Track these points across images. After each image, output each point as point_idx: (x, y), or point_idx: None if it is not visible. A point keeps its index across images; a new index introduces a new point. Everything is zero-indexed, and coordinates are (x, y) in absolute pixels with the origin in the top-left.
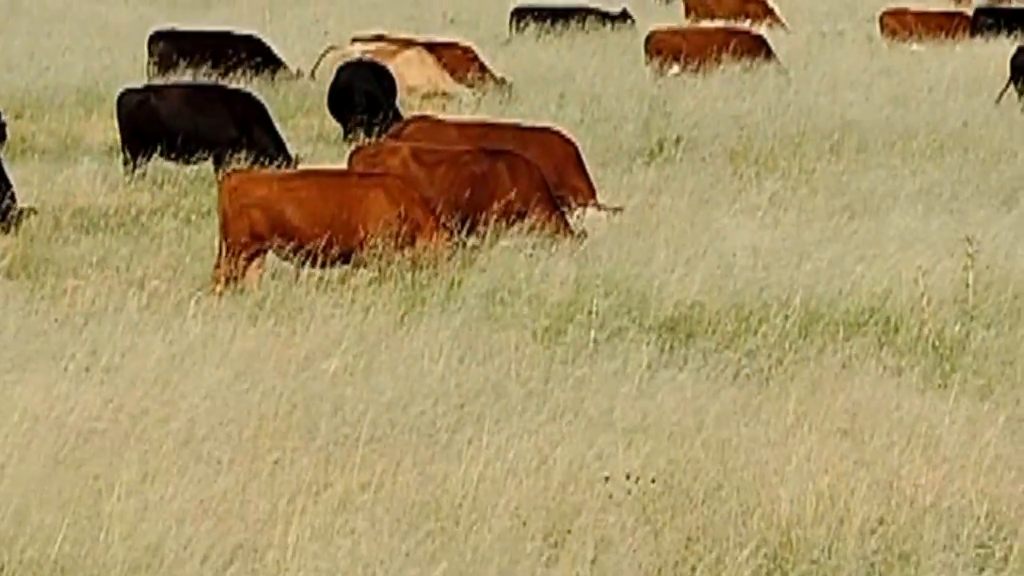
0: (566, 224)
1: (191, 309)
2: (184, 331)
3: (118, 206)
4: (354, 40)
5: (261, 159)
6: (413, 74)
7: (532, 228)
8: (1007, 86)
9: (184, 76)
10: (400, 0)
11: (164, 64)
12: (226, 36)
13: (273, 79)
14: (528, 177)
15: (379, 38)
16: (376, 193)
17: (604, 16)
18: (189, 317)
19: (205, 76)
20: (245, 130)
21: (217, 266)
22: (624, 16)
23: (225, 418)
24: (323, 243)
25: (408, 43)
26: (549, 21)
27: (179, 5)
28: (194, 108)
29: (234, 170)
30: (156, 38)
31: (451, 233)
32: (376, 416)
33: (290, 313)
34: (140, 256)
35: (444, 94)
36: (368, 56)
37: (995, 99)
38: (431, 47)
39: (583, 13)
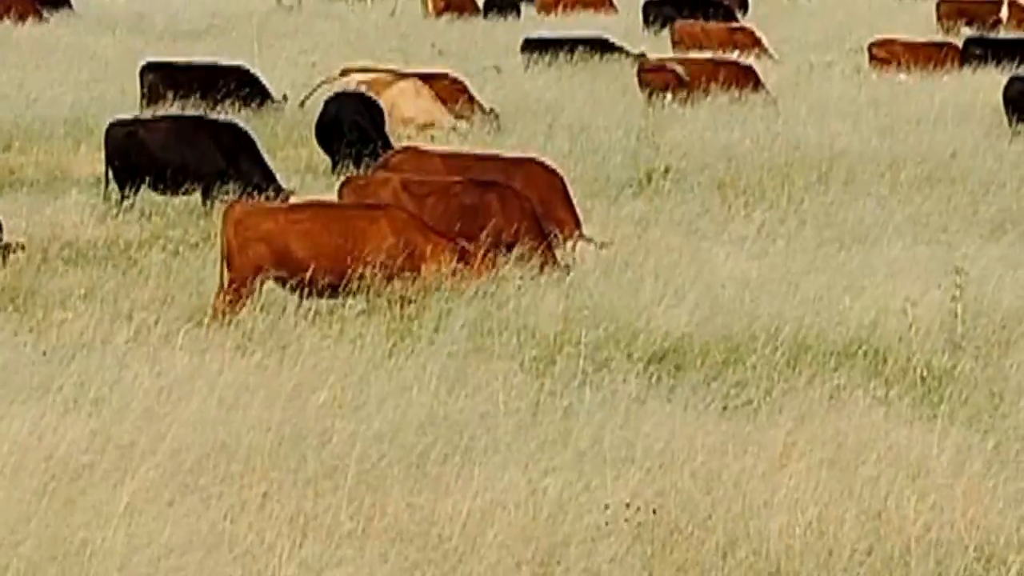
0: (555, 256)
1: (179, 341)
2: (172, 363)
3: (106, 238)
4: (344, 72)
5: (250, 191)
6: (409, 106)
7: (520, 259)
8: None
9: (173, 108)
10: (388, 32)
11: (154, 95)
12: (215, 68)
13: (261, 110)
14: (518, 209)
15: (368, 70)
16: (381, 224)
17: (615, 48)
18: (177, 349)
19: (194, 108)
20: (233, 162)
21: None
22: (641, 55)
23: (213, 450)
24: (327, 274)
25: (400, 74)
26: (562, 51)
27: (167, 37)
28: (182, 140)
29: (236, 202)
30: (146, 69)
31: (463, 256)
32: (365, 448)
33: (278, 345)
34: (128, 288)
35: (439, 126)
36: (359, 87)
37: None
38: (421, 78)
39: (596, 44)
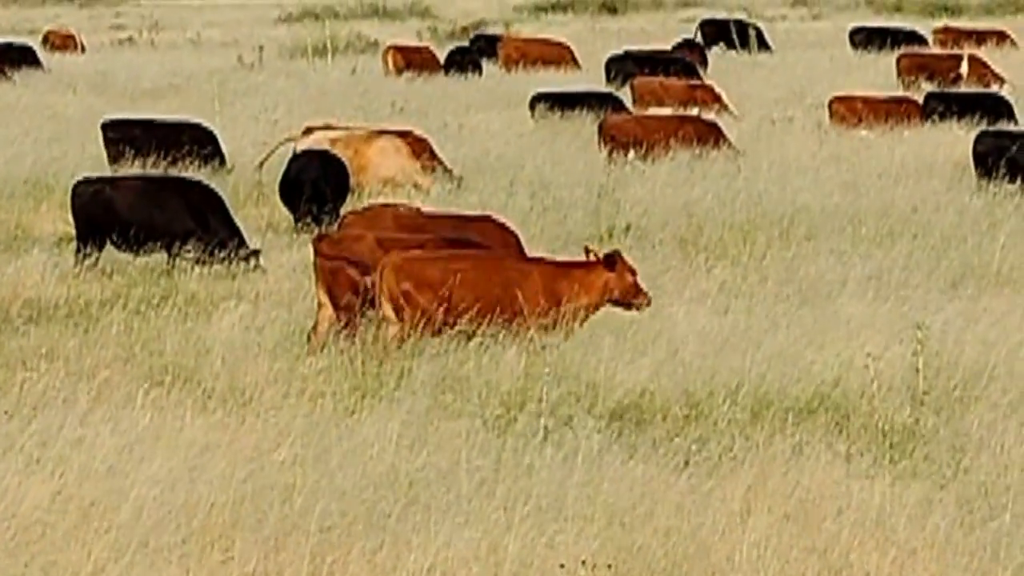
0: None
1: (140, 400)
2: (133, 422)
3: (67, 297)
4: (307, 130)
5: (218, 250)
6: (388, 164)
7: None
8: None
9: (134, 165)
10: (349, 89)
11: (114, 153)
12: (176, 125)
13: (221, 169)
14: None
15: (331, 127)
16: (534, 276)
17: (623, 104)
18: (138, 408)
19: (153, 166)
20: (202, 221)
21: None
22: None
23: (175, 508)
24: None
25: (377, 132)
26: (568, 107)
27: (129, 95)
28: (150, 199)
29: (395, 252)
30: (107, 127)
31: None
32: (326, 505)
33: (239, 403)
34: (89, 347)
35: (417, 185)
36: (332, 145)
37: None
38: (371, 137)
39: (605, 100)
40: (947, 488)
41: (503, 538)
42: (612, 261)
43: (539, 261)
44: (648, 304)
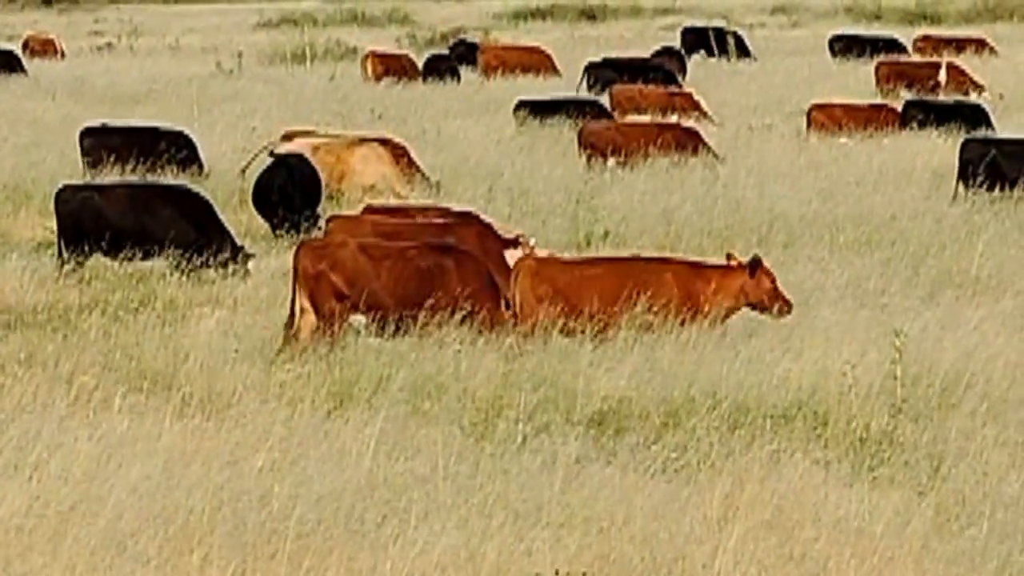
0: (510, 317)
1: (118, 405)
2: (111, 427)
3: (46, 302)
4: (286, 136)
5: (213, 256)
6: (370, 172)
7: (463, 322)
8: (957, 180)
9: (113, 172)
10: (328, 96)
11: (93, 159)
12: (154, 131)
13: (200, 176)
14: (473, 272)
15: (310, 134)
16: (667, 277)
17: (607, 112)
18: (116, 413)
19: (132, 173)
20: (194, 227)
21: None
22: None
23: (152, 514)
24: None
25: (361, 139)
26: (555, 114)
27: (107, 102)
28: (140, 206)
29: (531, 256)
30: (86, 134)
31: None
32: (303, 511)
33: (217, 409)
34: (68, 352)
35: (397, 192)
36: (312, 152)
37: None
38: (354, 144)
39: (589, 107)
40: (925, 496)
41: (481, 544)
42: (753, 266)
43: (673, 262)
44: (789, 311)
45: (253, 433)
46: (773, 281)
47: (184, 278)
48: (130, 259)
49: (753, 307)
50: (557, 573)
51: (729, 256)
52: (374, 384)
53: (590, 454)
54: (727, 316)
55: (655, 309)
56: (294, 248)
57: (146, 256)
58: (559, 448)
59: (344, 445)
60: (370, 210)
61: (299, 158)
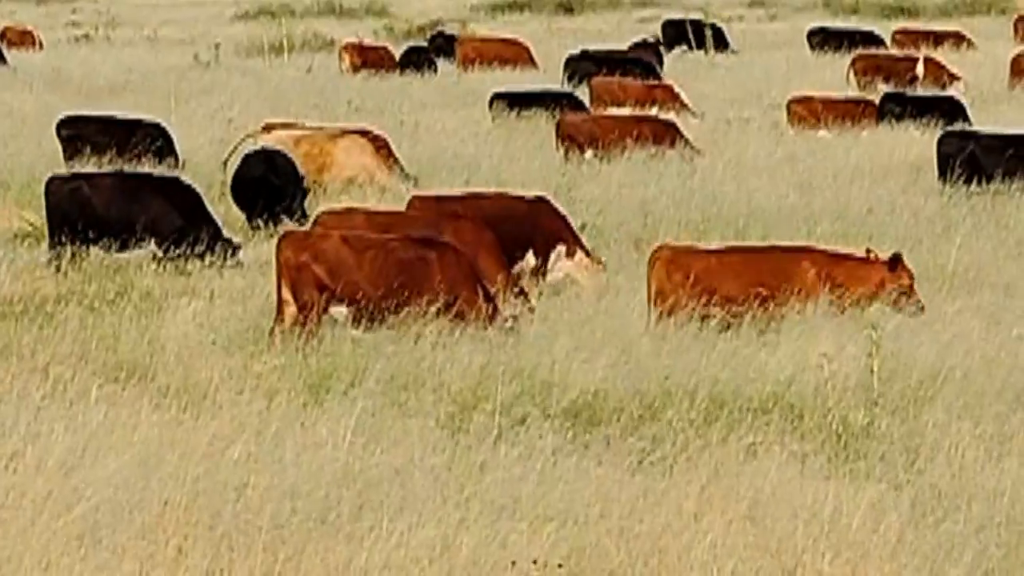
0: (495, 312)
1: (94, 396)
2: (88, 418)
3: (22, 293)
4: (265, 127)
5: (202, 246)
6: (352, 163)
7: (439, 315)
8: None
9: (90, 163)
10: (305, 87)
11: (70, 150)
12: (130, 123)
13: (178, 167)
14: (456, 264)
15: (289, 125)
16: (805, 264)
17: (583, 105)
18: (93, 404)
19: (110, 164)
20: (184, 218)
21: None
22: None
23: (128, 505)
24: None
25: (343, 131)
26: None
27: (85, 93)
28: (129, 197)
29: (667, 245)
30: (63, 124)
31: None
32: (279, 503)
33: (194, 400)
34: (44, 343)
35: (379, 183)
36: (295, 144)
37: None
38: (336, 135)
39: (563, 100)
40: (901, 489)
41: (457, 537)
42: (893, 263)
43: (811, 251)
44: (923, 311)
45: (229, 424)
46: (911, 278)
47: (161, 269)
48: (119, 250)
49: (888, 301)
50: (535, 563)
51: (868, 251)
52: (350, 376)
53: (566, 447)
54: (863, 306)
55: (794, 297)
56: (276, 239)
57: (133, 246)
58: (535, 441)
59: (320, 437)
60: (437, 198)
61: (277, 152)
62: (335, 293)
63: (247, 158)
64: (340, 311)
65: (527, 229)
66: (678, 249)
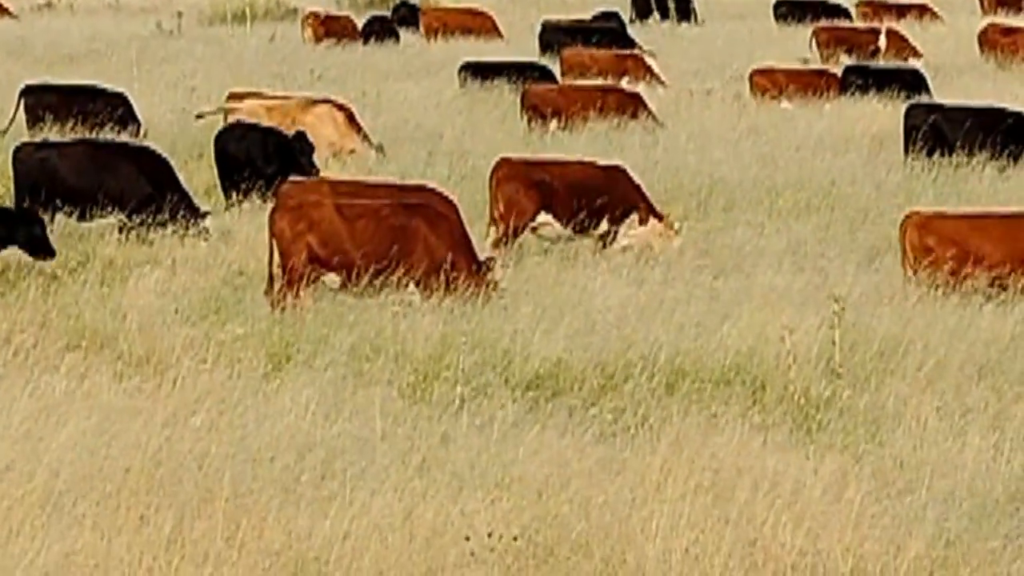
0: (482, 276)
1: (56, 364)
2: (50, 386)
3: None
4: (230, 96)
5: (170, 214)
6: (329, 131)
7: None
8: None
9: (52, 131)
10: (267, 57)
11: (32, 119)
12: (93, 91)
13: (139, 135)
14: (446, 230)
15: (254, 95)
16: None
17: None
18: (55, 372)
19: (72, 132)
20: (154, 186)
21: None
22: None
23: (89, 473)
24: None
25: (314, 101)
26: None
27: (45, 61)
28: (99, 165)
29: (918, 211)
30: (25, 92)
31: None
32: (240, 471)
33: (156, 369)
34: (6, 312)
35: (351, 151)
36: (259, 113)
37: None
38: (308, 104)
39: (534, 70)
40: (862, 461)
41: (417, 506)
42: None
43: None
44: None
45: (191, 393)
46: None
47: (124, 238)
48: (88, 218)
49: None
50: (490, 536)
51: None
52: (312, 346)
53: (527, 417)
54: None
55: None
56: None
57: (99, 215)
58: (496, 410)
59: (282, 406)
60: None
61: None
62: (328, 263)
63: (228, 130)
64: (332, 278)
65: (605, 195)
66: (929, 215)
